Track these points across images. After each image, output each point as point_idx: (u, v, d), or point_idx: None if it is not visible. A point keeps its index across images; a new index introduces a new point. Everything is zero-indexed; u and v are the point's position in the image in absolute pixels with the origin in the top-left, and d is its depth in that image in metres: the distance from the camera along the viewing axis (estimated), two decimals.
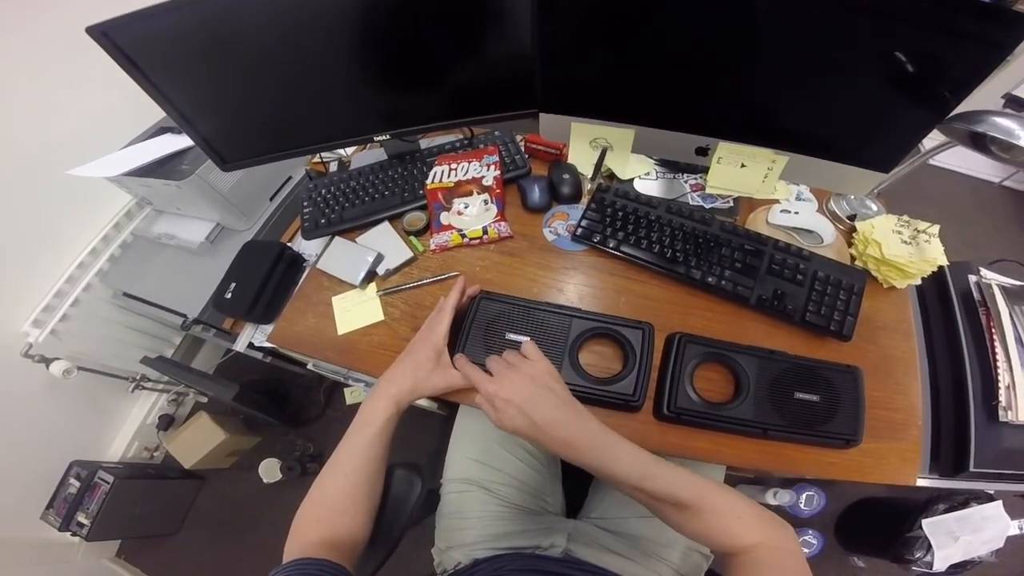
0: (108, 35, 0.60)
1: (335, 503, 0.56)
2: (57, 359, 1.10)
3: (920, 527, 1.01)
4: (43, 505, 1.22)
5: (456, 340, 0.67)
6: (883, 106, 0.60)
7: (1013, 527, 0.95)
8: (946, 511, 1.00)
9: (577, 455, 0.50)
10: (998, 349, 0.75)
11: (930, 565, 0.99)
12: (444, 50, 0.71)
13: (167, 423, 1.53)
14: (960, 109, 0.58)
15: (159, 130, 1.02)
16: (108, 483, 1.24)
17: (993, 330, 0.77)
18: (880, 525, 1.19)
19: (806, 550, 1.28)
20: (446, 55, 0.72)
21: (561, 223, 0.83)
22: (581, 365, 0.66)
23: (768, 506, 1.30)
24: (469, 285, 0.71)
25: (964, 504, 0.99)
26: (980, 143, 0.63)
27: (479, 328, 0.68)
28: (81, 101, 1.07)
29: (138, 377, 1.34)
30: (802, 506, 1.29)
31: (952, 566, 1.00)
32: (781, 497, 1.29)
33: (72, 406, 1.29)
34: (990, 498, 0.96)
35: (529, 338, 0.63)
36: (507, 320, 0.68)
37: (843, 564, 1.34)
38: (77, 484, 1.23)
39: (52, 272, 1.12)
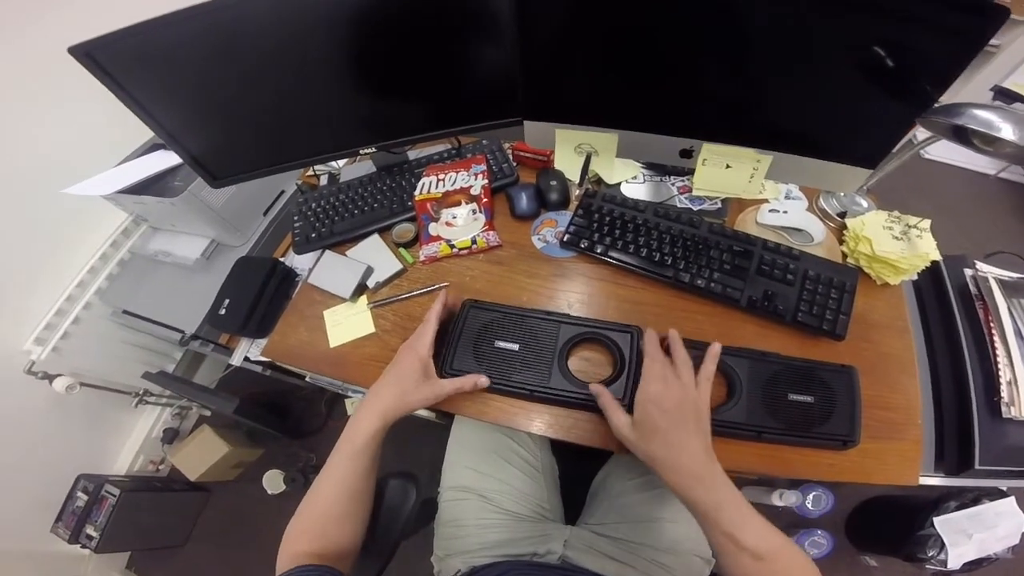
0: (91, 55, 0.60)
1: (322, 516, 0.57)
2: (60, 375, 1.11)
3: (932, 525, 0.99)
4: (52, 519, 1.24)
5: (444, 350, 0.67)
6: (864, 102, 0.59)
7: None
8: (957, 508, 0.99)
9: (688, 488, 0.51)
10: (997, 344, 0.75)
11: (944, 563, 0.98)
12: (429, 62, 0.72)
13: (171, 436, 1.55)
14: (951, 102, 0.58)
15: (152, 146, 1.03)
16: (115, 496, 1.26)
17: (992, 324, 0.77)
18: (891, 524, 1.17)
19: (816, 551, 1.27)
20: (431, 67, 0.73)
21: (550, 230, 0.83)
22: (571, 371, 0.66)
23: (775, 507, 1.28)
24: (456, 296, 0.72)
25: (976, 501, 0.98)
26: (963, 136, 0.62)
27: (468, 337, 0.68)
28: (74, 119, 1.08)
29: (141, 392, 1.35)
30: (809, 506, 1.28)
31: (967, 563, 0.98)
32: (787, 498, 1.26)
33: (77, 421, 1.31)
34: (1002, 494, 0.95)
35: (716, 358, 0.60)
36: (496, 328, 0.68)
37: (855, 564, 1.33)
38: (85, 497, 1.26)
39: (52, 291, 1.13)
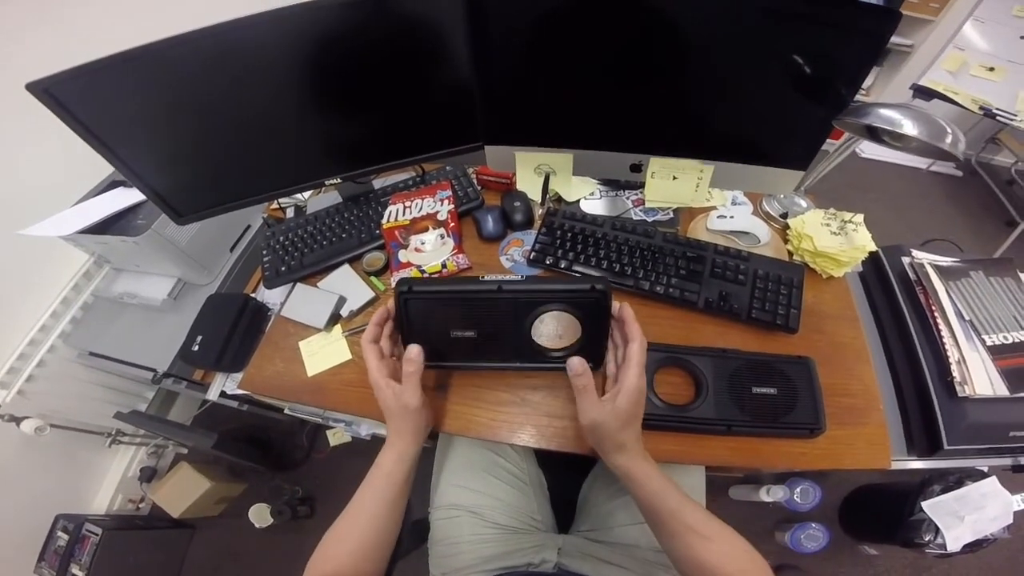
0: (50, 92, 0.59)
1: (336, 550, 0.56)
2: (27, 418, 1.08)
3: (922, 510, 1.00)
4: (33, 560, 1.20)
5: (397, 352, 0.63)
6: (788, 109, 0.65)
7: (1017, 501, 0.94)
8: (942, 491, 0.99)
9: (648, 477, 0.54)
10: (941, 325, 0.78)
11: (943, 547, 0.98)
12: (391, 93, 0.74)
13: (149, 475, 1.50)
14: (863, 102, 0.63)
15: (111, 184, 1.01)
16: (96, 535, 1.23)
17: (933, 308, 0.81)
18: (882, 512, 1.19)
19: (814, 544, 1.28)
20: (393, 98, 0.75)
21: (517, 249, 0.86)
22: (537, 344, 0.60)
23: (764, 504, 1.31)
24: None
25: (959, 483, 0.98)
26: (876, 135, 0.66)
27: (419, 334, 0.59)
28: (29, 158, 1.05)
29: (113, 432, 1.32)
30: (798, 500, 1.29)
31: (966, 545, 0.98)
32: (775, 493, 1.29)
33: (50, 462, 1.27)
34: (983, 475, 0.96)
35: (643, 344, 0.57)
36: (446, 315, 0.60)
37: (856, 554, 1.34)
38: (65, 537, 1.22)
39: (13, 335, 1.10)
